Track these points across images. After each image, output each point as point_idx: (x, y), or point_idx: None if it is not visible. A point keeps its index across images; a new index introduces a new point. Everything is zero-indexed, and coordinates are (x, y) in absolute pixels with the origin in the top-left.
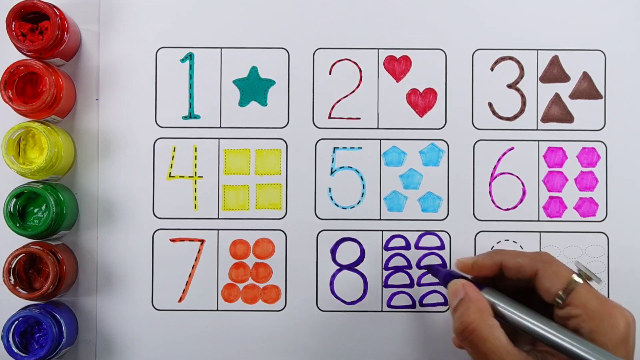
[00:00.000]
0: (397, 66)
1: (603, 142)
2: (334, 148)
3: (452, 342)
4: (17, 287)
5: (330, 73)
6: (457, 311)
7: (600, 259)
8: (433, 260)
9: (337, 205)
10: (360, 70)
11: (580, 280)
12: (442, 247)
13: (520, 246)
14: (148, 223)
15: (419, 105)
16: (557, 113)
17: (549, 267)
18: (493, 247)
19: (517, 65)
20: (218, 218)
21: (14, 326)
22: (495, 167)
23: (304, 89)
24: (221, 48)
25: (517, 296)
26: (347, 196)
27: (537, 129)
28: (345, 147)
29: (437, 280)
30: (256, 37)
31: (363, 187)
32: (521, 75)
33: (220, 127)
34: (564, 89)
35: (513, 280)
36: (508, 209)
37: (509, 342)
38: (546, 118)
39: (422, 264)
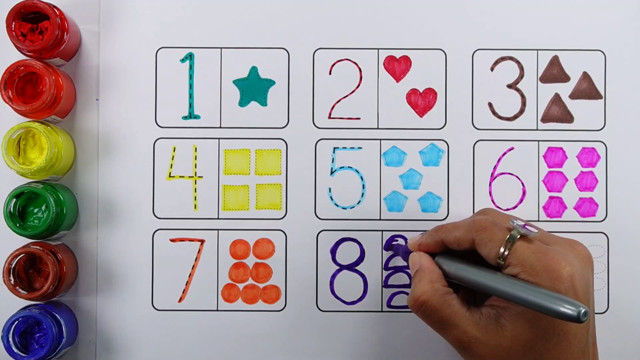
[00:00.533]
0: (397, 66)
1: (603, 142)
2: (334, 148)
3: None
4: (17, 287)
5: (330, 73)
6: (412, 283)
7: (600, 259)
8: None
9: (337, 205)
10: (360, 71)
11: (515, 237)
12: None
13: None
14: (148, 223)
15: (419, 105)
16: (557, 113)
17: (483, 234)
18: None
19: (517, 65)
20: (218, 218)
21: (14, 326)
22: (495, 167)
23: (304, 89)
24: (221, 48)
25: (475, 259)
26: (347, 196)
27: (537, 129)
28: (345, 147)
29: None
30: (256, 37)
31: (363, 187)
32: (521, 75)
33: (220, 127)
34: (564, 89)
35: (464, 251)
36: (508, 209)
37: (461, 307)
38: (546, 118)
39: (393, 243)
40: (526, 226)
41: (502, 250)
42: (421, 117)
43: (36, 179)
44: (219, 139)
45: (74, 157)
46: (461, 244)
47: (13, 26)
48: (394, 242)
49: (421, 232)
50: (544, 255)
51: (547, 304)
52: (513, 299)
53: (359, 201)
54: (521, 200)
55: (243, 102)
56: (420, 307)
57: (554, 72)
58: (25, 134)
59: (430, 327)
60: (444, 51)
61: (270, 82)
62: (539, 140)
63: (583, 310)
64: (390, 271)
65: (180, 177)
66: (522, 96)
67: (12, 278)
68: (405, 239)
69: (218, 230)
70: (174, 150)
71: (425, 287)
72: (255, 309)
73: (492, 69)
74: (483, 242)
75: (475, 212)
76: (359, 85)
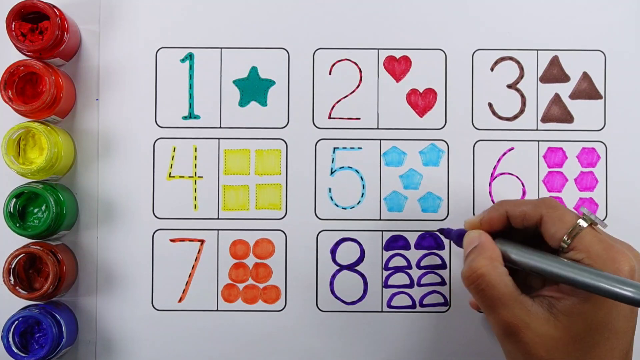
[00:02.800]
0: (397, 66)
1: (603, 142)
2: (334, 148)
3: (469, 305)
4: (17, 287)
5: (330, 73)
6: (469, 257)
7: None
8: (432, 260)
9: (337, 206)
10: (360, 71)
11: (584, 224)
12: (442, 247)
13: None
14: (148, 223)
15: (419, 105)
16: (557, 113)
17: (553, 212)
18: None
19: (517, 66)
20: (218, 218)
21: (14, 326)
22: (495, 167)
23: (304, 89)
24: (221, 48)
25: (528, 245)
26: (347, 196)
27: (537, 129)
28: (345, 147)
29: (437, 281)
30: (256, 37)
31: (363, 187)
32: (521, 76)
33: (220, 127)
34: (564, 89)
35: (522, 231)
36: None
37: (515, 289)
38: (546, 118)
39: (438, 229)
40: (597, 216)
41: (569, 233)
42: (421, 117)
43: (36, 179)
44: (219, 139)
45: (74, 157)
46: (527, 219)
47: (13, 26)
48: (444, 228)
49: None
50: (610, 247)
51: (615, 287)
52: (580, 283)
53: (359, 201)
54: None
55: (243, 102)
56: (475, 280)
57: (554, 72)
58: (25, 134)
59: (479, 303)
60: (444, 51)
61: (270, 82)
62: (539, 140)
63: None
64: (390, 271)
65: (180, 177)
66: (522, 96)
67: (12, 278)
68: (405, 240)
69: (218, 230)
70: (174, 150)
71: (484, 261)
72: (255, 309)
73: (492, 69)
74: (552, 220)
75: (476, 214)
76: (359, 85)
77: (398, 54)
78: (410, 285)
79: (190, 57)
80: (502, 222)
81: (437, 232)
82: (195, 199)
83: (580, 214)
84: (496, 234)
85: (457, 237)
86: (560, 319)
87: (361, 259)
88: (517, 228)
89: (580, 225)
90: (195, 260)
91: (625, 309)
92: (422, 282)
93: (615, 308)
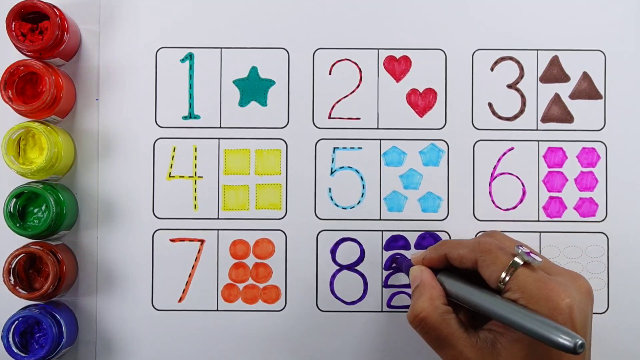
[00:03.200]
0: (397, 66)
1: (603, 142)
2: (334, 148)
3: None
4: (17, 287)
5: (330, 73)
6: (412, 298)
7: (600, 259)
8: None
9: (337, 205)
10: (360, 71)
11: (519, 262)
12: None
13: None
14: (148, 223)
15: (419, 105)
16: (557, 113)
17: (487, 256)
18: None
19: (517, 66)
20: (218, 218)
21: (14, 326)
22: (495, 167)
23: (304, 89)
24: (221, 48)
25: (477, 279)
26: (347, 196)
27: (537, 129)
28: (345, 147)
29: None
30: (256, 37)
31: (363, 187)
32: (521, 76)
33: (220, 127)
34: (564, 89)
35: (465, 269)
36: (508, 209)
37: (459, 327)
38: (546, 118)
39: (397, 257)
40: (530, 254)
41: (503, 274)
42: (421, 117)
43: (36, 179)
44: (219, 139)
45: (74, 157)
46: (464, 262)
47: (13, 26)
48: (397, 257)
49: (422, 250)
50: (544, 285)
51: (545, 332)
52: (511, 323)
53: (359, 201)
54: (521, 200)
55: (243, 102)
56: (419, 324)
57: (554, 72)
58: (25, 134)
59: (427, 343)
60: (444, 51)
61: (270, 82)
62: (539, 140)
63: (580, 342)
64: (390, 271)
65: (180, 177)
66: (522, 96)
67: (12, 278)
68: (403, 256)
69: (218, 230)
70: (174, 150)
71: (425, 303)
72: (255, 309)
73: (492, 69)
74: (486, 264)
75: (476, 214)
76: (359, 85)
77: (398, 54)
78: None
79: (190, 57)
80: (442, 263)
81: (391, 269)
82: (195, 199)
83: (514, 253)
84: (441, 269)
85: (406, 269)
86: (504, 355)
87: (361, 259)
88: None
89: (515, 264)
90: (195, 260)
91: None
92: None
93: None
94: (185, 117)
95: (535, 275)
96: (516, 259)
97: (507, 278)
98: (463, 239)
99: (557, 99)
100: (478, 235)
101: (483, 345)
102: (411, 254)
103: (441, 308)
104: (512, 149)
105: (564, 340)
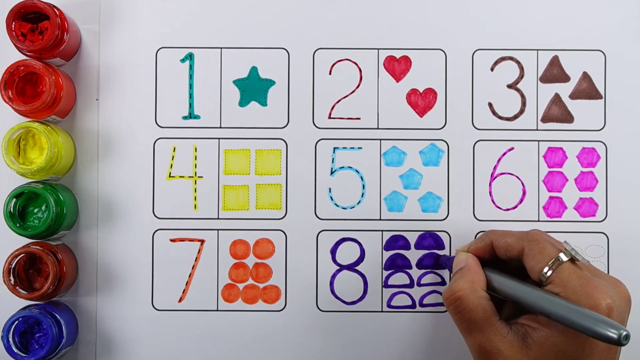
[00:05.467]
0: (397, 66)
1: (603, 142)
2: (334, 148)
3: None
4: (17, 287)
5: (330, 73)
6: (452, 278)
7: (600, 259)
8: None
9: (337, 205)
10: (360, 70)
11: (565, 258)
12: (442, 247)
13: None
14: (148, 223)
15: (419, 105)
16: (557, 113)
17: (534, 246)
18: None
19: (517, 66)
20: (218, 218)
21: (14, 326)
22: (495, 167)
23: (304, 89)
24: (221, 48)
25: (518, 275)
26: (347, 196)
27: (537, 129)
28: (345, 147)
29: (437, 281)
30: (256, 37)
31: (363, 187)
32: (521, 76)
33: (220, 127)
34: (564, 89)
35: (510, 262)
36: (508, 209)
37: (493, 314)
38: (546, 118)
39: (435, 256)
40: (578, 251)
41: (547, 268)
42: (421, 117)
43: (36, 179)
44: (219, 139)
45: (74, 157)
46: (509, 251)
47: (13, 26)
48: (439, 255)
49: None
50: (587, 283)
51: (589, 324)
52: (554, 315)
53: (359, 201)
54: (521, 200)
55: (243, 102)
56: (454, 302)
57: (554, 72)
58: (25, 134)
59: (457, 325)
60: (444, 51)
61: (270, 82)
62: (539, 140)
63: (624, 333)
64: (390, 271)
65: (180, 177)
66: (522, 96)
67: (12, 278)
68: (405, 240)
69: (218, 230)
70: (174, 150)
71: (465, 284)
72: (255, 309)
73: (492, 69)
74: (532, 253)
75: (476, 214)
76: (359, 85)
77: (398, 54)
78: (410, 285)
79: (190, 57)
80: (488, 252)
81: (434, 259)
82: (195, 199)
83: (562, 248)
84: (485, 264)
85: (448, 263)
86: (533, 349)
87: (361, 259)
88: (504, 259)
89: (560, 259)
90: (195, 260)
91: (601, 346)
92: (422, 282)
93: (589, 344)
94: (185, 117)
95: (579, 272)
96: (563, 253)
97: (550, 272)
98: (509, 230)
99: (557, 99)
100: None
101: (514, 337)
102: (457, 248)
103: (480, 292)
104: (512, 149)
105: (609, 332)
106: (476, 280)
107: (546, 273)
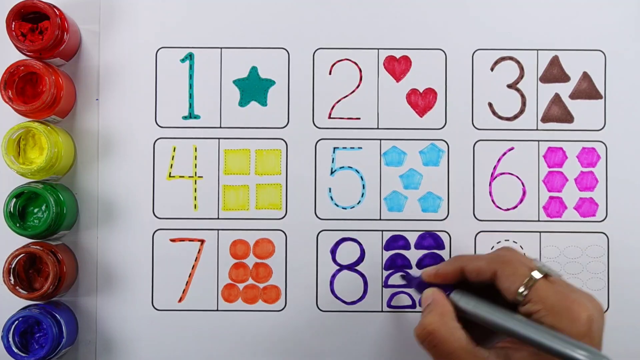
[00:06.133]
0: (397, 66)
1: (603, 142)
2: (334, 148)
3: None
4: (17, 287)
5: (330, 73)
6: (422, 315)
7: (600, 259)
8: (433, 260)
9: (337, 205)
10: (360, 70)
11: (538, 275)
12: (442, 247)
13: (521, 246)
14: (148, 223)
15: (419, 105)
16: (557, 113)
17: (506, 267)
18: (493, 247)
19: (517, 65)
20: (218, 218)
21: (14, 326)
22: (495, 167)
23: (304, 89)
24: (221, 48)
25: (489, 297)
26: (347, 196)
27: (537, 129)
28: (345, 147)
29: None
30: (256, 37)
31: (363, 187)
32: (521, 75)
33: (220, 127)
34: (564, 89)
35: (481, 283)
36: (508, 209)
37: (469, 342)
38: (546, 118)
39: (400, 274)
40: (550, 267)
41: (524, 286)
42: (421, 117)
43: (36, 179)
44: (219, 139)
45: (74, 157)
46: (481, 275)
47: (13, 26)
48: (405, 273)
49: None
50: (565, 297)
51: (565, 349)
52: (529, 340)
53: (359, 201)
54: (521, 200)
55: (243, 102)
56: (427, 337)
57: (554, 72)
58: (25, 134)
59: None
60: (444, 51)
61: (270, 82)
62: (539, 140)
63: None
64: (390, 271)
65: (180, 177)
66: (522, 96)
67: (12, 278)
68: (409, 274)
69: (218, 230)
70: (174, 150)
71: (434, 317)
72: (255, 309)
73: (492, 69)
74: (505, 275)
75: (476, 214)
76: (359, 85)
77: (398, 54)
78: (410, 285)
79: (190, 57)
80: (457, 277)
81: (400, 276)
82: (195, 199)
83: (533, 266)
84: (456, 285)
85: (416, 285)
86: None
87: (361, 258)
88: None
89: (534, 277)
90: (195, 260)
91: None
92: None
93: None
94: (185, 117)
95: (555, 288)
96: (536, 271)
97: (527, 291)
98: (478, 254)
99: (557, 99)
100: (493, 251)
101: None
102: (422, 270)
103: (451, 323)
104: (512, 149)
105: (584, 357)
106: (445, 312)
107: (522, 293)
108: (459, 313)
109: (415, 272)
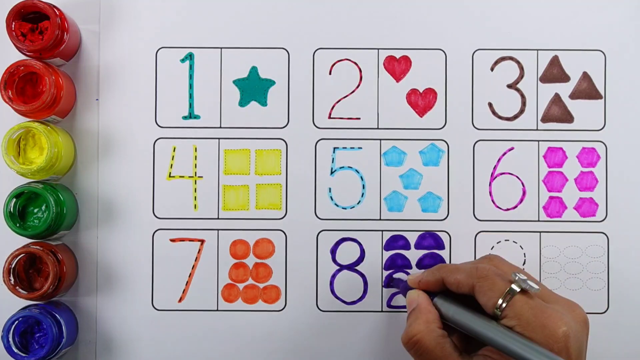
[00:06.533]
0: (397, 66)
1: (603, 142)
2: (334, 148)
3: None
4: (17, 287)
5: (330, 73)
6: (408, 321)
7: (600, 259)
8: (433, 260)
9: (337, 205)
10: (360, 70)
11: (516, 290)
12: (442, 247)
13: (521, 246)
14: (148, 223)
15: (419, 105)
16: (557, 113)
17: (484, 282)
18: (493, 247)
19: (517, 65)
20: (218, 218)
21: (14, 326)
22: (495, 167)
23: (304, 89)
24: (221, 48)
25: (474, 303)
26: (347, 196)
27: (537, 129)
28: (345, 147)
29: None
30: (256, 37)
31: (363, 187)
32: (521, 75)
33: (220, 127)
34: (564, 89)
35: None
36: (508, 209)
37: (453, 351)
38: (546, 118)
39: (394, 276)
40: (527, 281)
41: (500, 301)
42: (421, 117)
43: (36, 179)
44: (219, 139)
45: (74, 157)
46: (460, 288)
47: (13, 26)
48: (394, 277)
49: (422, 270)
50: (541, 313)
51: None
52: (506, 350)
53: (359, 201)
54: (521, 200)
55: (243, 102)
56: (413, 346)
57: (554, 72)
58: (25, 134)
59: None
60: (444, 51)
61: (270, 82)
62: (539, 140)
63: None
64: (390, 271)
65: (180, 177)
66: (522, 96)
67: (12, 278)
68: (399, 278)
69: (218, 230)
70: (174, 150)
71: (420, 326)
72: (255, 309)
73: (492, 69)
74: (483, 290)
75: (476, 214)
76: (359, 85)
77: (398, 54)
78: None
79: (190, 57)
80: (439, 286)
81: (389, 279)
82: (195, 199)
83: (512, 280)
84: (440, 291)
85: (403, 289)
86: None
87: (361, 258)
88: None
89: (511, 292)
90: (195, 260)
91: None
92: None
93: None
94: (185, 117)
95: (532, 303)
96: (513, 285)
97: (504, 305)
98: (460, 263)
99: (557, 99)
100: (476, 259)
101: None
102: (408, 276)
103: (436, 332)
104: (512, 149)
105: None
106: (431, 320)
107: (499, 308)
108: (443, 319)
109: (415, 272)
